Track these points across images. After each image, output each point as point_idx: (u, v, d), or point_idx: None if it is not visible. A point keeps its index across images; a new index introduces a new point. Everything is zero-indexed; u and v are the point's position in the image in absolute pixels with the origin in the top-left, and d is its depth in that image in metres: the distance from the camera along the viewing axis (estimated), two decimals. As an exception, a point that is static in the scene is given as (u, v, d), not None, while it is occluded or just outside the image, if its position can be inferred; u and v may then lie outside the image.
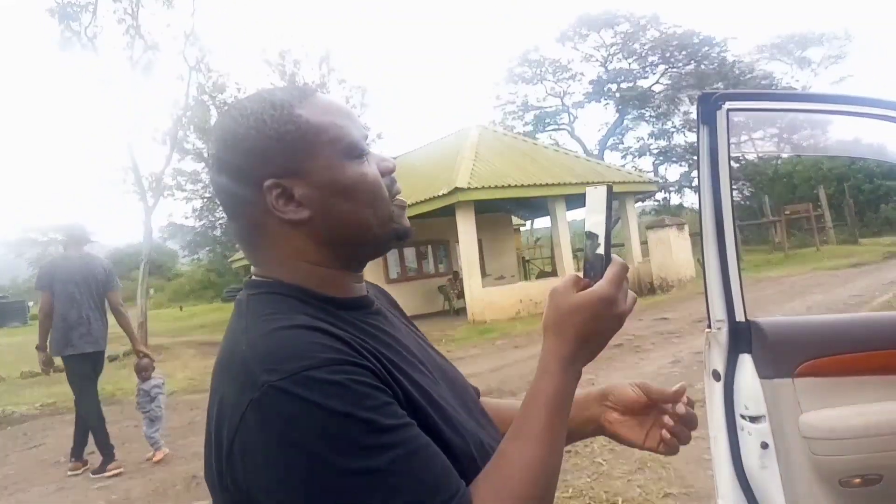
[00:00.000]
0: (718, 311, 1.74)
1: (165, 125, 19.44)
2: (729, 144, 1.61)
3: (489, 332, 11.92)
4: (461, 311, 15.13)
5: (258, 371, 0.66)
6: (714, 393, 1.79)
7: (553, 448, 0.74)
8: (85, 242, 5.53)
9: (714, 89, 1.76)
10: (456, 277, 16.41)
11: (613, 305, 0.75)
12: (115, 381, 9.17)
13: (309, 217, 0.78)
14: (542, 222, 24.69)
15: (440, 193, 14.02)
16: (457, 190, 13.63)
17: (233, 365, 0.70)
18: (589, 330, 0.76)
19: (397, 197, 0.85)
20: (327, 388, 0.64)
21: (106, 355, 5.77)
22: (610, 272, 0.76)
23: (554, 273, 17.43)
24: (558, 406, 0.75)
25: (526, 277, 20.78)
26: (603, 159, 28.84)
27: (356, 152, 0.81)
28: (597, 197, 0.78)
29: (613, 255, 0.77)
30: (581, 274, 0.79)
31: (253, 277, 0.83)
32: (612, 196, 0.77)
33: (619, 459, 4.12)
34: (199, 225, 30.09)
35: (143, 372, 5.43)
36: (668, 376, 6.36)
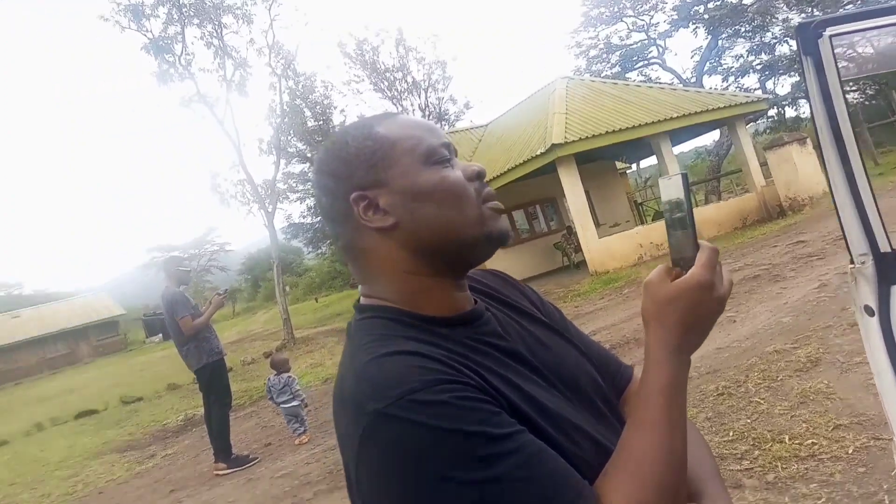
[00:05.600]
0: (859, 244, 1.70)
1: (268, 134, 20.46)
2: (839, 72, 1.57)
3: (614, 282, 11.75)
4: (581, 265, 15.03)
5: (365, 401, 0.68)
6: (870, 329, 1.73)
7: (675, 435, 0.74)
8: (176, 276, 6.19)
9: (811, 17, 1.66)
10: (570, 232, 16.27)
11: (712, 290, 0.74)
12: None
13: (395, 223, 0.80)
14: (649, 161, 23.81)
15: (538, 153, 13.89)
16: (554, 146, 13.44)
17: (344, 397, 0.73)
18: (691, 318, 0.75)
19: (491, 202, 0.85)
20: (432, 409, 0.66)
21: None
22: (702, 257, 0.75)
23: (669, 212, 16.81)
24: (673, 394, 0.75)
25: (641, 221, 20.20)
26: (702, 86, 27.28)
27: (434, 158, 0.83)
28: (672, 184, 0.77)
29: (702, 241, 0.76)
30: (670, 264, 0.79)
31: (361, 300, 0.87)
32: (687, 181, 0.77)
33: (776, 396, 3.95)
34: (315, 221, 31.65)
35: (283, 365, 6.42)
36: (816, 302, 5.96)
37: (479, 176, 0.85)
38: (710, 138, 28.38)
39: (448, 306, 0.83)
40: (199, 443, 7.78)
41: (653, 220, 19.13)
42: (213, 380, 6.13)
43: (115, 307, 46.28)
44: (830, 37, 1.59)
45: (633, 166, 28.96)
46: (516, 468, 0.66)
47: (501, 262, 17.52)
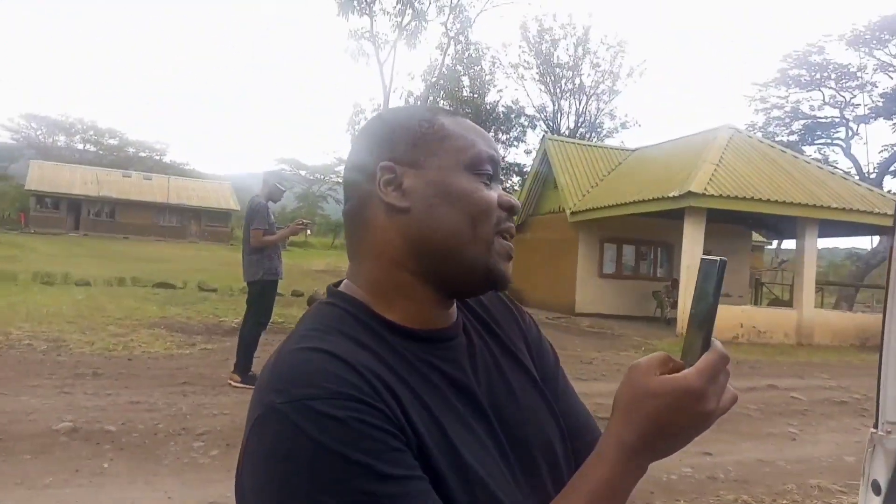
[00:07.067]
0: (893, 410, 1.36)
1: (419, 90, 20.73)
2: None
3: (695, 352, 11.07)
4: (672, 322, 14.24)
5: (268, 389, 0.65)
6: (870, 509, 1.42)
7: None
8: (270, 190, 6.33)
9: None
10: (674, 286, 15.43)
11: (700, 401, 0.63)
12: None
13: (408, 208, 0.76)
14: (792, 243, 22.16)
15: (670, 195, 13.19)
16: (689, 194, 12.72)
17: (260, 376, 0.70)
18: (663, 421, 0.64)
19: (507, 240, 0.79)
20: (325, 422, 0.61)
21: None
22: (704, 361, 0.64)
23: (789, 304, 15.62)
24: (605, 497, 0.66)
25: (756, 301, 18.92)
26: (881, 186, 24.96)
27: (478, 168, 0.78)
28: (709, 267, 0.67)
29: (715, 341, 0.65)
30: (681, 354, 0.68)
31: (339, 285, 0.83)
32: (724, 271, 0.66)
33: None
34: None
35: None
36: (891, 453, 5.35)
37: (511, 209, 0.80)
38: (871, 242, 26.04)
39: (419, 317, 0.77)
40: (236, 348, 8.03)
41: (768, 305, 17.85)
42: (260, 296, 6.28)
43: (233, 201, 49.34)
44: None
45: (774, 243, 27.18)
46: None
47: (596, 289, 16.95)
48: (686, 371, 0.64)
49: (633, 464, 0.66)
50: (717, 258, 0.67)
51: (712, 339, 0.66)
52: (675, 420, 0.64)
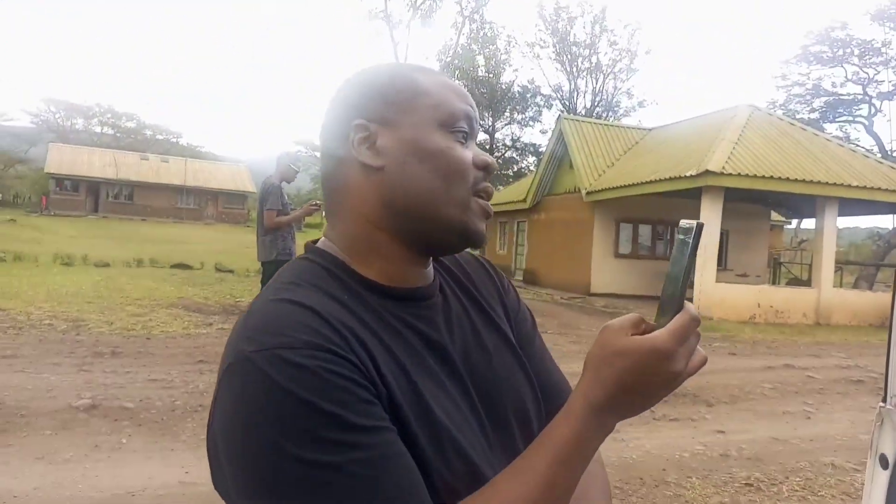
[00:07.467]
0: (901, 383, 1.34)
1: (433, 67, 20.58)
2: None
3: (711, 331, 10.94)
4: (689, 301, 14.14)
5: (240, 338, 0.65)
6: (877, 481, 1.41)
7: (551, 497, 0.65)
8: (283, 171, 6.35)
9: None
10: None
11: (668, 361, 0.63)
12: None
13: (382, 167, 0.75)
14: (812, 223, 21.86)
15: (687, 174, 13.03)
16: (707, 173, 12.56)
17: (234, 326, 0.70)
18: (631, 381, 0.65)
19: (483, 199, 0.78)
20: (295, 371, 0.60)
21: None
22: (675, 322, 0.64)
23: (808, 283, 15.46)
24: (570, 453, 0.66)
25: (774, 281, 18.76)
26: (904, 163, 24.50)
27: (453, 126, 0.77)
28: (686, 232, 0.68)
29: (687, 303, 0.66)
30: (655, 316, 0.68)
31: (317, 241, 0.82)
32: (700, 235, 0.67)
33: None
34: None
35: None
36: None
37: (487, 168, 0.79)
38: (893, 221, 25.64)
39: (395, 275, 0.77)
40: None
41: (786, 284, 17.69)
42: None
43: (249, 183, 49.47)
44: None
45: (793, 222, 26.88)
46: (359, 464, 0.60)
47: (611, 269, 16.88)
48: (656, 332, 0.64)
49: (600, 422, 0.66)
50: (694, 222, 0.67)
51: (685, 301, 0.66)
52: (643, 380, 0.64)
